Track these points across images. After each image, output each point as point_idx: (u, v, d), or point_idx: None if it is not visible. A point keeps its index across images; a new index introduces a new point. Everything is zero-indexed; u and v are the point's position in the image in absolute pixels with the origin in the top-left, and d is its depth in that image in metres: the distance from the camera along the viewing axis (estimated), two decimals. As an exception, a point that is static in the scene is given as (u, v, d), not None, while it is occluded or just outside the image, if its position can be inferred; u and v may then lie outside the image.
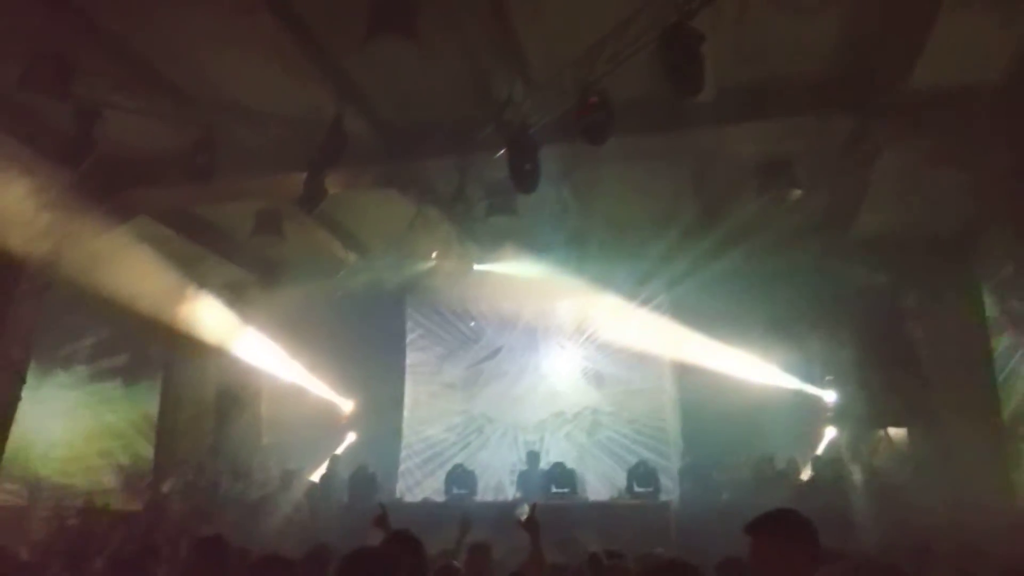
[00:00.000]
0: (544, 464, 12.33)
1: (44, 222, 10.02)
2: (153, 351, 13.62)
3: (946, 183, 9.51)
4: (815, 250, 11.48)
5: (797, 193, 9.47)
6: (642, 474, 11.57)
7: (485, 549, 5.56)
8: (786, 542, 2.91)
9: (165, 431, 13.55)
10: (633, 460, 12.26)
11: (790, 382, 12.37)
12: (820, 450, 11.97)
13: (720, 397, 12.09)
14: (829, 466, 11.25)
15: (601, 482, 12.65)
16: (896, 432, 11.61)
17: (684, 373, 13.14)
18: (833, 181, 10.08)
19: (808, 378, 12.53)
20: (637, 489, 11.36)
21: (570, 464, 12.19)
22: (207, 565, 4.59)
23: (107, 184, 9.68)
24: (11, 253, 9.91)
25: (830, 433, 12.08)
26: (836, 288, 11.76)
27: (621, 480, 12.00)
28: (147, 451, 13.39)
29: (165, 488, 12.07)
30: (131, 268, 12.63)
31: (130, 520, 11.95)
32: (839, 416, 12.05)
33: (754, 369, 12.36)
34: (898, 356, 11.56)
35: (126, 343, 13.06)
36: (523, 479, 12.02)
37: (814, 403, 12.42)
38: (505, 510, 10.69)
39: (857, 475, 10.76)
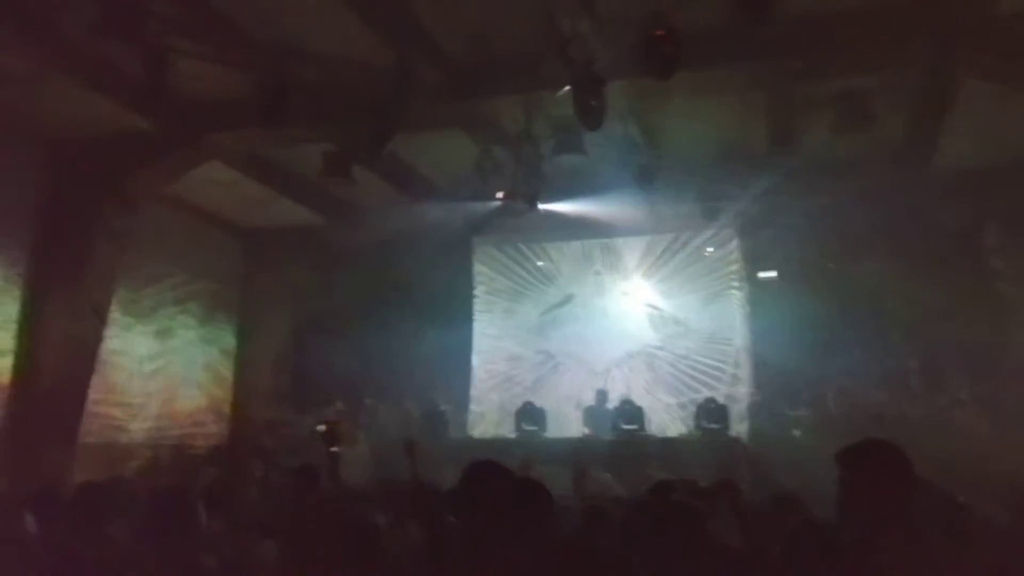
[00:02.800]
0: (612, 401, 12.39)
1: (120, 169, 10.35)
2: (229, 293, 14.00)
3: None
4: (892, 184, 11.15)
5: (874, 125, 9.15)
6: (711, 411, 11.56)
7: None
8: (878, 474, 2.79)
9: (245, 369, 13.99)
10: (702, 397, 12.24)
11: (863, 318, 12.13)
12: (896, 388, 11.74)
13: (791, 333, 11.97)
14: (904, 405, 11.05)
15: (670, 419, 12.70)
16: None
17: (754, 310, 13.03)
18: (912, 112, 9.75)
19: (881, 314, 12.28)
20: (706, 426, 11.37)
21: (639, 401, 12.24)
22: (299, 495, 4.76)
23: (178, 129, 9.83)
24: (90, 200, 10.27)
25: (904, 372, 11.84)
26: (914, 222, 11.42)
27: (690, 417, 12.03)
28: (227, 390, 13.85)
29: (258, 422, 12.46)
30: (202, 212, 13.03)
31: (219, 456, 12.50)
32: (913, 352, 11.80)
33: (827, 305, 12.15)
34: (978, 293, 11.25)
35: (203, 286, 13.42)
36: (590, 415, 12.11)
37: (887, 339, 12.18)
38: (574, 447, 10.86)
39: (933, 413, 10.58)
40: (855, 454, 2.87)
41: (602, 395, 12.44)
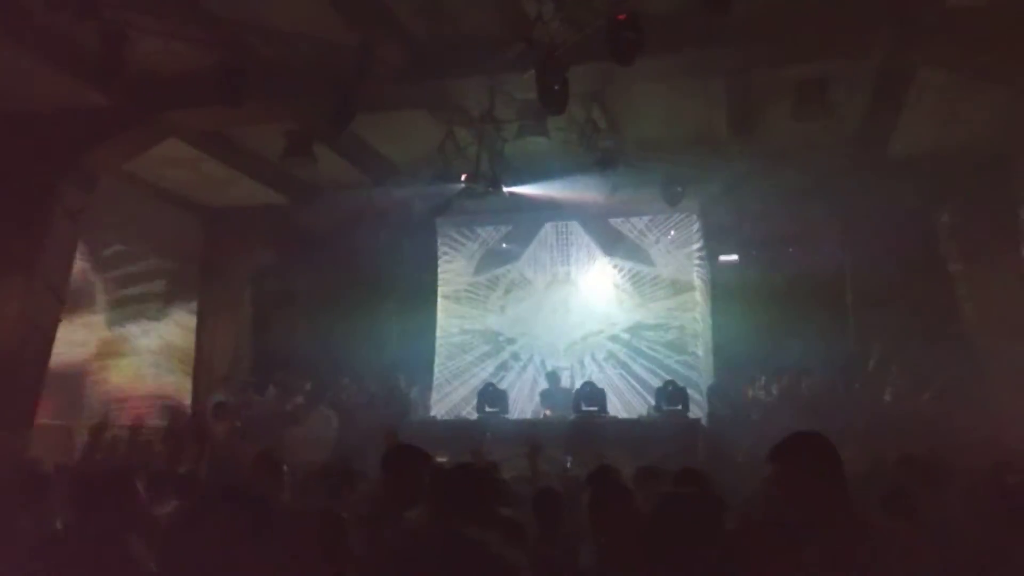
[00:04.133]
0: (574, 383, 12.51)
1: (77, 145, 10.16)
2: (188, 273, 13.86)
3: (984, 102, 9.31)
4: (850, 169, 11.34)
5: (831, 112, 9.29)
6: (671, 393, 11.69)
7: (495, 470, 5.69)
8: (808, 470, 2.84)
9: (205, 350, 13.88)
10: (662, 380, 12.39)
11: (822, 301, 12.35)
12: (849, 369, 11.98)
13: (751, 317, 12.18)
14: (859, 386, 11.29)
15: (630, 401, 12.84)
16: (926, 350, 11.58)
17: (715, 294, 13.21)
18: (869, 100, 9.91)
19: (839, 297, 12.53)
20: (666, 407, 11.51)
21: (600, 383, 12.36)
22: (263, 479, 4.76)
23: (137, 106, 9.68)
24: (45, 177, 10.08)
25: (860, 352, 12.08)
26: (869, 207, 11.64)
27: (650, 399, 12.18)
28: (186, 371, 13.72)
29: (210, 403, 12.37)
30: (163, 191, 12.87)
31: (172, 439, 12.38)
32: (870, 335, 12.04)
33: (786, 288, 12.36)
34: (931, 274, 11.52)
35: (161, 266, 13.27)
36: (548, 397, 12.20)
37: (845, 322, 12.43)
38: (535, 428, 10.94)
39: (887, 395, 10.82)
40: (786, 449, 2.91)
41: (553, 376, 12.54)
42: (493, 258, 14.36)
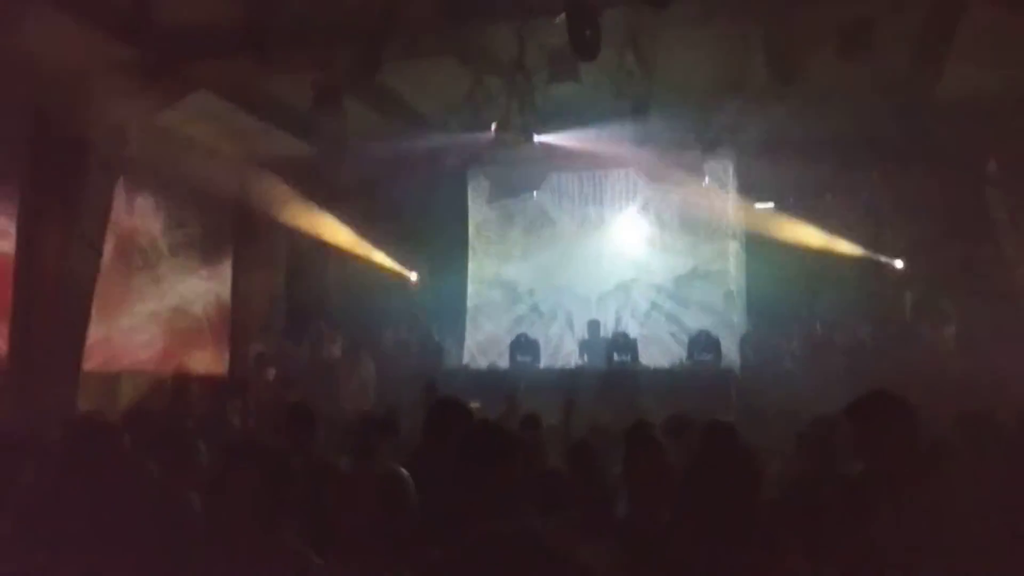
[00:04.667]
0: (606, 333, 12.49)
1: (108, 99, 10.20)
2: (223, 224, 13.96)
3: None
4: (893, 114, 11.02)
5: (876, 54, 8.99)
6: (703, 343, 11.64)
7: (535, 421, 5.68)
8: (884, 426, 2.84)
9: (239, 301, 14.05)
10: (695, 329, 12.31)
11: (860, 249, 12.16)
12: (886, 319, 11.82)
13: (786, 266, 12.03)
14: (895, 337, 11.13)
15: (662, 351, 12.80)
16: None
17: (749, 242, 13.05)
18: (916, 40, 9.58)
19: (879, 245, 12.31)
20: (698, 357, 11.46)
21: (632, 333, 12.33)
22: (296, 431, 4.80)
23: (166, 59, 9.66)
24: (79, 132, 10.15)
25: (898, 301, 11.90)
26: (914, 153, 11.33)
27: (683, 349, 12.12)
28: (225, 321, 13.91)
29: (250, 354, 12.56)
30: (197, 142, 12.91)
31: (215, 387, 12.61)
32: (908, 284, 11.85)
33: (823, 237, 12.18)
34: (975, 224, 11.23)
35: (197, 217, 13.38)
36: (584, 348, 12.22)
37: (884, 271, 12.23)
38: (567, 378, 10.98)
39: (925, 344, 10.66)
40: (862, 407, 2.91)
41: (595, 326, 12.54)
42: (524, 208, 14.25)
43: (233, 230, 14.14)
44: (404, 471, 3.12)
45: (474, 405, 9.51)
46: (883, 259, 12.32)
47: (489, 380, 11.14)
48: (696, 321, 12.77)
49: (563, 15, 7.72)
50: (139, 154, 11.12)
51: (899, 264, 12.17)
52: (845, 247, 12.13)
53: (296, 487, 3.08)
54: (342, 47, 9.05)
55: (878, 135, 11.30)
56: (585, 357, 12.05)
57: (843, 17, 8.80)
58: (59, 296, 10.11)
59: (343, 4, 8.65)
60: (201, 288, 13.53)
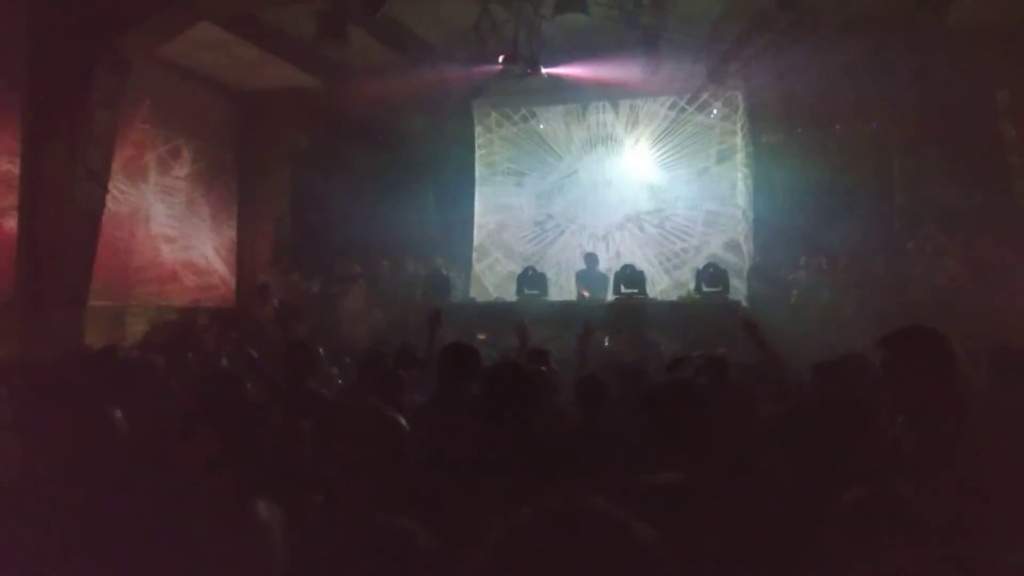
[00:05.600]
0: (614, 266, 12.49)
1: (110, 30, 10.07)
2: (227, 156, 13.90)
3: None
4: (904, 42, 10.84)
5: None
6: (711, 275, 11.63)
7: (544, 356, 5.71)
8: (921, 359, 2.82)
9: (244, 233, 14.08)
10: (702, 262, 12.33)
11: (869, 180, 12.07)
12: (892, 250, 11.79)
13: (795, 197, 11.97)
14: (905, 269, 11.12)
15: (670, 283, 12.85)
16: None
17: (758, 173, 12.96)
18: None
19: (887, 176, 12.22)
20: (706, 289, 11.49)
21: (639, 265, 12.35)
22: (297, 368, 4.84)
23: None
24: (81, 63, 10.04)
25: (906, 233, 11.86)
26: (924, 79, 11.16)
27: (690, 281, 12.15)
28: (231, 253, 13.96)
29: (257, 284, 12.60)
30: (195, 74, 12.79)
31: (222, 317, 12.73)
32: (917, 216, 11.80)
33: (832, 168, 12.09)
34: (986, 155, 11.13)
35: (198, 150, 13.31)
36: (582, 279, 12.20)
37: (891, 202, 12.17)
38: (574, 310, 11.03)
39: (936, 280, 10.64)
40: (899, 338, 2.90)
41: (592, 258, 12.48)
42: (531, 141, 14.13)
43: (238, 163, 14.07)
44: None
45: (480, 337, 9.63)
46: (892, 190, 12.24)
47: (496, 313, 11.18)
48: (704, 253, 12.75)
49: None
50: (142, 86, 11.04)
51: (908, 195, 12.08)
52: (854, 178, 12.04)
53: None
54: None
55: (887, 64, 11.12)
56: (592, 290, 12.05)
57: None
58: (65, 229, 10.15)
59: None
60: (207, 223, 13.53)
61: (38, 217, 10.02)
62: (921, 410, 2.76)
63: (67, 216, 10.10)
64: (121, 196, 11.57)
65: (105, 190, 10.60)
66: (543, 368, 5.19)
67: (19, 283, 9.87)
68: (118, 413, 3.06)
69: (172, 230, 12.82)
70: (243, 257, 14.04)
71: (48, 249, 9.98)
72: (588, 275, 12.18)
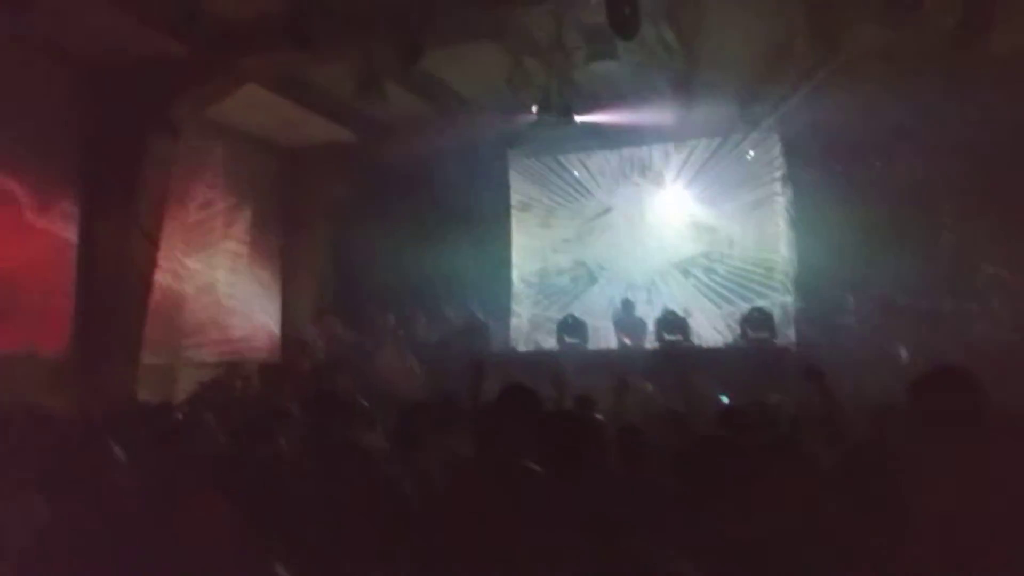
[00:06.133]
0: (654, 312, 12.39)
1: (161, 96, 10.47)
2: (271, 212, 14.20)
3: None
4: (944, 76, 10.70)
5: (922, 13, 8.71)
6: (756, 320, 11.48)
7: (590, 403, 5.64)
8: (953, 402, 2.71)
9: (288, 286, 14.31)
10: (747, 306, 12.18)
11: (913, 218, 11.86)
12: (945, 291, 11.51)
13: (836, 237, 11.79)
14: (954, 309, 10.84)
15: (714, 329, 12.71)
16: None
17: (798, 215, 12.82)
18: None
19: (933, 213, 12.01)
20: (751, 335, 11.31)
21: (681, 312, 12.23)
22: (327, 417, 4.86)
23: (215, 55, 9.87)
24: (134, 128, 10.44)
25: (956, 272, 11.59)
26: (967, 117, 10.99)
27: (735, 327, 12.00)
28: (275, 308, 14.16)
29: (306, 337, 12.76)
30: (243, 134, 13.17)
31: (268, 373, 12.87)
32: (967, 255, 11.54)
33: (874, 207, 11.91)
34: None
35: (248, 206, 13.63)
36: (620, 326, 12.14)
37: (938, 240, 11.93)
38: (617, 358, 10.96)
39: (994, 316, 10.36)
40: (930, 383, 2.80)
41: (628, 304, 12.43)
42: (567, 188, 14.20)
43: (281, 217, 14.36)
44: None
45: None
46: (939, 228, 12.00)
47: (537, 362, 11.16)
48: (747, 297, 12.60)
49: (600, -7, 7.68)
50: (191, 146, 11.40)
51: (957, 232, 11.84)
52: (899, 217, 11.84)
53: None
54: (383, 35, 9.09)
55: (929, 98, 10.98)
56: (631, 335, 11.96)
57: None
58: (119, 287, 10.46)
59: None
60: (253, 278, 13.78)
61: (93, 276, 10.36)
62: (953, 456, 2.66)
63: (121, 274, 10.43)
64: (170, 254, 11.80)
65: (157, 249, 10.93)
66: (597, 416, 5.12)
67: (74, 340, 10.16)
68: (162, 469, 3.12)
69: (221, 286, 13.06)
70: (287, 310, 14.23)
71: (102, 307, 10.29)
72: (627, 321, 12.11)
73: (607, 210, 13.89)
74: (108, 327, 10.30)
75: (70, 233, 10.33)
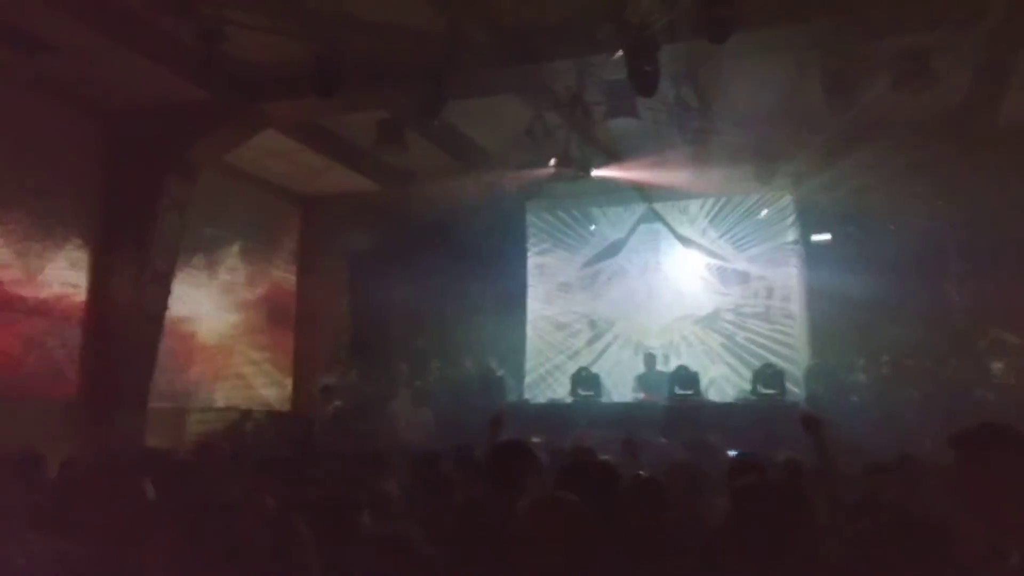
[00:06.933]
0: (667, 366, 12.39)
1: (180, 139, 10.58)
2: (288, 260, 14.26)
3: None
4: (955, 142, 10.83)
5: (936, 83, 8.88)
6: (768, 376, 11.47)
7: (589, 454, 5.61)
8: (996, 459, 2.62)
9: (303, 334, 14.28)
10: (758, 363, 12.16)
11: (924, 280, 11.89)
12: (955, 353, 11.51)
13: (848, 297, 11.80)
14: (964, 370, 10.83)
15: (726, 384, 12.65)
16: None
17: (811, 273, 12.85)
18: (976, 69, 9.44)
19: (943, 276, 12.03)
20: (763, 391, 11.29)
21: (693, 366, 12.21)
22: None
23: (235, 100, 9.99)
24: (152, 171, 10.53)
25: (967, 334, 11.59)
26: (977, 183, 11.09)
27: (746, 383, 11.96)
28: (289, 356, 14.14)
29: (320, 385, 12.69)
30: (262, 181, 13.28)
31: (278, 422, 12.85)
32: (975, 316, 11.55)
33: (886, 268, 11.94)
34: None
35: (262, 253, 13.69)
36: (642, 382, 12.13)
37: (950, 302, 11.94)
38: (629, 412, 10.91)
39: (1003, 375, 10.35)
40: (971, 438, 2.72)
41: (650, 359, 12.43)
42: (584, 242, 14.29)
43: (298, 264, 14.42)
44: None
45: (535, 440, 9.55)
46: (949, 290, 12.02)
47: (551, 414, 11.11)
48: (758, 354, 12.58)
49: (621, 52, 7.81)
50: (208, 192, 11.47)
51: (966, 295, 11.86)
52: (909, 278, 11.86)
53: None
54: (406, 86, 9.23)
55: (940, 161, 11.10)
56: (645, 391, 11.94)
57: (900, 47, 8.74)
58: (130, 331, 10.45)
59: (406, 44, 8.86)
60: (266, 325, 13.78)
61: (104, 319, 10.36)
62: (999, 514, 2.60)
63: (132, 318, 10.42)
64: (183, 298, 11.82)
65: (169, 292, 10.92)
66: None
67: (84, 385, 10.15)
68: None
69: (233, 330, 13.06)
70: (301, 358, 14.21)
71: (113, 350, 10.29)
72: (646, 376, 12.10)
73: (622, 265, 13.96)
74: (118, 370, 10.29)
75: (82, 277, 10.40)
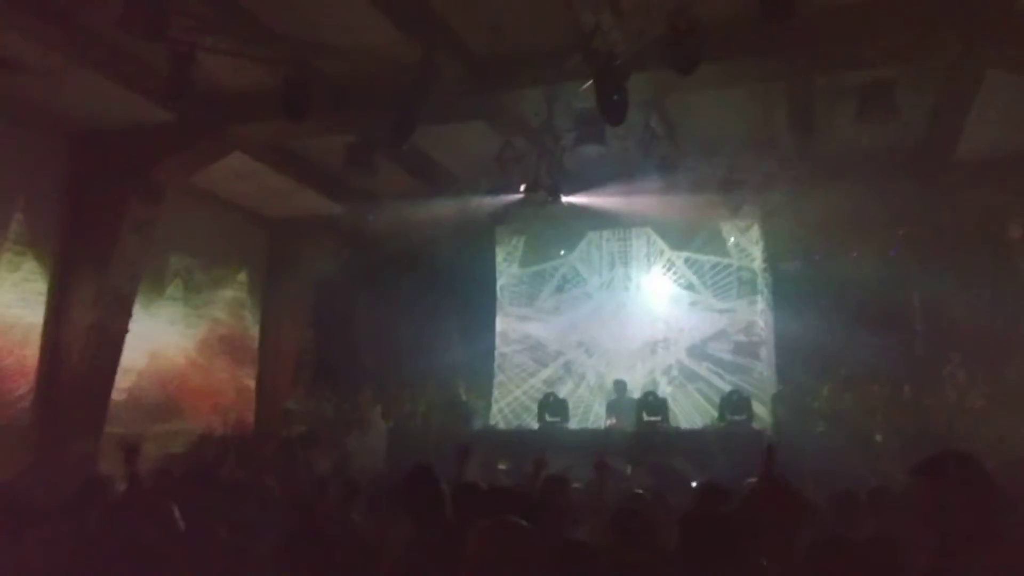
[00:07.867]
0: (635, 393, 12.41)
1: (145, 160, 10.46)
2: (253, 282, 14.10)
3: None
4: (916, 175, 11.06)
5: (897, 116, 9.08)
6: (735, 402, 11.52)
7: (562, 482, 5.59)
8: (956, 487, 2.63)
9: (268, 359, 14.12)
10: (726, 389, 12.22)
11: (888, 308, 12.08)
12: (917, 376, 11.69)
13: (814, 324, 11.94)
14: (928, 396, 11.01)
15: (693, 411, 12.70)
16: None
17: (777, 301, 13.00)
18: (936, 103, 9.66)
19: (906, 304, 12.24)
20: (730, 417, 11.34)
21: (661, 393, 12.25)
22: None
23: (202, 121, 9.92)
24: (115, 191, 10.39)
25: (931, 361, 11.79)
26: (938, 215, 11.32)
27: (713, 409, 12.02)
28: (252, 380, 13.96)
29: (281, 409, 12.55)
30: (228, 203, 13.14)
31: (239, 447, 12.63)
32: (940, 343, 11.75)
33: (852, 295, 12.12)
34: (1003, 287, 11.16)
35: (226, 276, 13.53)
36: (613, 408, 12.15)
37: (912, 329, 12.14)
38: (597, 438, 10.91)
39: (963, 403, 10.52)
40: (932, 466, 2.73)
41: (621, 385, 12.47)
42: (553, 267, 14.32)
43: (263, 288, 14.26)
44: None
45: (501, 467, 9.51)
46: (912, 316, 12.24)
47: (517, 440, 11.07)
48: (726, 380, 12.65)
49: (590, 81, 7.88)
50: (172, 213, 11.33)
51: (928, 323, 12.07)
52: (874, 305, 12.05)
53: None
54: (376, 111, 9.23)
55: (902, 193, 11.31)
56: (615, 417, 11.95)
57: (864, 78, 8.93)
58: (87, 353, 10.25)
59: (376, 70, 8.87)
60: (228, 348, 13.60)
61: (61, 341, 10.17)
62: (960, 541, 2.62)
63: (90, 340, 10.23)
64: (142, 321, 11.61)
65: (129, 315, 10.73)
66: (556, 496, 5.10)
67: (38, 408, 9.92)
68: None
69: (193, 354, 12.87)
70: (265, 383, 14.03)
71: (71, 373, 10.08)
72: (618, 403, 12.13)
73: (590, 291, 14.00)
74: (73, 393, 10.08)
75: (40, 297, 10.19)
